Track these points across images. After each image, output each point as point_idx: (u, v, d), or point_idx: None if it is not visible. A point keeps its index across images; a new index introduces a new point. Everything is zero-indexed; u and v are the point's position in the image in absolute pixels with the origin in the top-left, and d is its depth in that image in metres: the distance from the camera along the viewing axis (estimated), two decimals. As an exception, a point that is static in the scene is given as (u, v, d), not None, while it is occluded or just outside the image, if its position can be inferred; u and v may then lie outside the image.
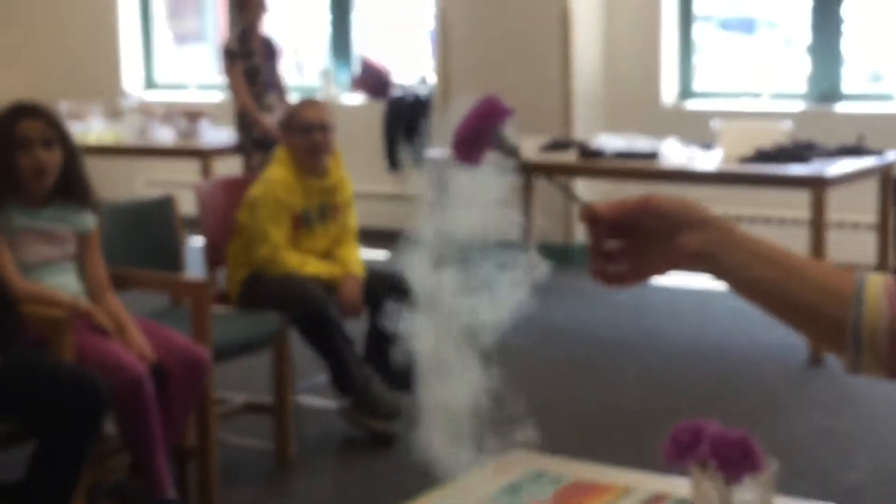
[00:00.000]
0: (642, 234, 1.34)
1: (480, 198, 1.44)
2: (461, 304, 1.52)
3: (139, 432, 3.69)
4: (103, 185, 4.05)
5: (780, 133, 6.06)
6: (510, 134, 1.38)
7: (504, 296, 1.50)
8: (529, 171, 1.45)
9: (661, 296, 6.50)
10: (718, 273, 1.33)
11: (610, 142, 6.40)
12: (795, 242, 6.93)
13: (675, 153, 6.11)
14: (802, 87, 7.54)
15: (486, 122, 1.35)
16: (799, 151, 5.88)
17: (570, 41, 7.61)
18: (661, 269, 1.36)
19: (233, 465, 4.37)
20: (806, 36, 7.51)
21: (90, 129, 7.98)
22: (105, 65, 9.69)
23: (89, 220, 3.94)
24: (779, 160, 5.82)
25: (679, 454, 1.49)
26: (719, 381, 5.32)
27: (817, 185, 5.58)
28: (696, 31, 7.84)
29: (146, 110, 8.38)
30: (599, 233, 1.35)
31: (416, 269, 1.49)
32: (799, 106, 7.41)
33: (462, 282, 1.52)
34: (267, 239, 4.54)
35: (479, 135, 1.35)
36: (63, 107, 7.92)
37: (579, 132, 7.57)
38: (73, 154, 3.87)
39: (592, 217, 1.34)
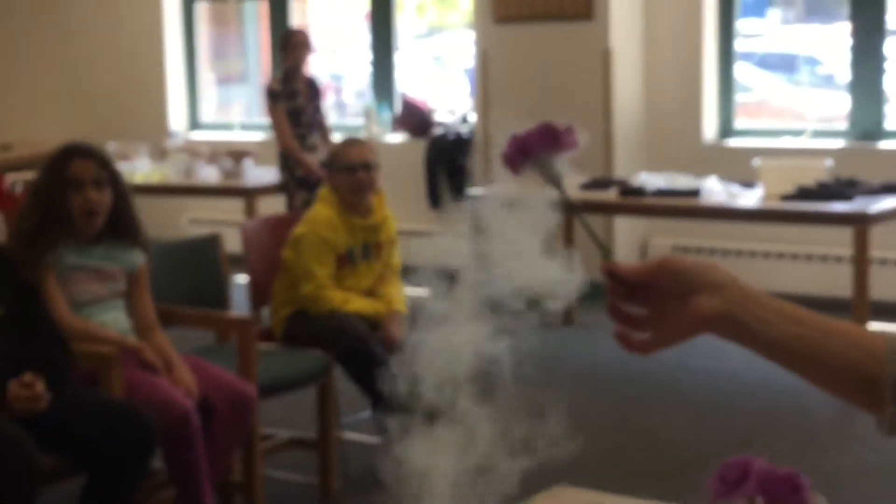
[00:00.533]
0: (661, 298, 1.30)
1: (523, 235, 1.43)
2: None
3: (186, 467, 3.71)
4: (149, 224, 4.08)
5: (822, 170, 6.04)
6: (561, 167, 1.37)
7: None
8: (572, 208, 1.39)
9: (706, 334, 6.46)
10: (739, 334, 1.27)
11: (651, 180, 6.40)
12: (838, 280, 6.90)
13: (715, 191, 6.10)
14: (843, 124, 7.50)
15: (549, 142, 1.35)
16: (841, 189, 5.85)
17: (610, 79, 7.63)
18: (682, 334, 1.30)
19: (278, 500, 4.38)
20: (847, 73, 7.48)
21: (136, 168, 8.06)
22: (151, 106, 9.79)
23: (138, 258, 3.98)
24: (821, 198, 5.79)
25: (726, 491, 1.49)
26: (765, 418, 5.29)
27: (860, 223, 5.56)
28: (737, 69, 7.83)
29: (191, 150, 8.46)
30: (618, 292, 1.32)
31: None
32: (840, 143, 7.38)
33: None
34: (311, 277, 4.56)
35: (536, 148, 1.33)
36: (110, 147, 8.00)
37: (620, 170, 7.57)
38: (123, 194, 3.91)
39: (612, 272, 1.31)
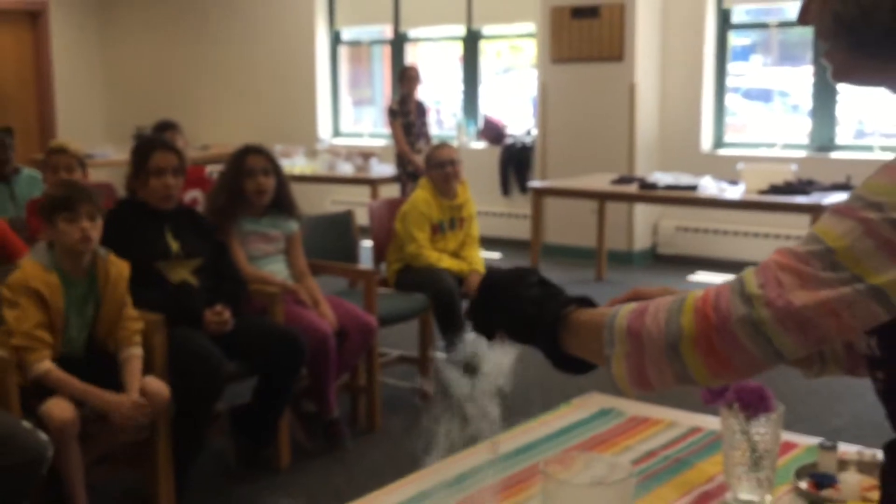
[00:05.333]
0: None
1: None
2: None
3: (321, 373, 3.76)
4: (303, 203, 4.11)
5: (788, 173, 5.92)
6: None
7: None
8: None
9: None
10: None
11: (662, 177, 6.31)
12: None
13: (709, 187, 6.00)
14: (805, 140, 7.33)
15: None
16: (802, 187, 5.73)
17: (634, 104, 7.52)
18: None
19: (390, 400, 4.42)
20: (808, 102, 7.32)
21: (295, 164, 8.13)
22: (306, 119, 9.88)
23: (294, 226, 4.03)
24: (787, 193, 5.68)
25: (712, 398, 1.48)
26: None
27: (815, 211, 5.43)
28: (728, 98, 7.67)
29: (333, 151, 8.51)
30: None
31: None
32: (802, 154, 7.21)
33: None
34: (413, 239, 4.56)
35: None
36: (276, 148, 8.09)
37: (639, 170, 7.48)
38: (283, 180, 3.96)
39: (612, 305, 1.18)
